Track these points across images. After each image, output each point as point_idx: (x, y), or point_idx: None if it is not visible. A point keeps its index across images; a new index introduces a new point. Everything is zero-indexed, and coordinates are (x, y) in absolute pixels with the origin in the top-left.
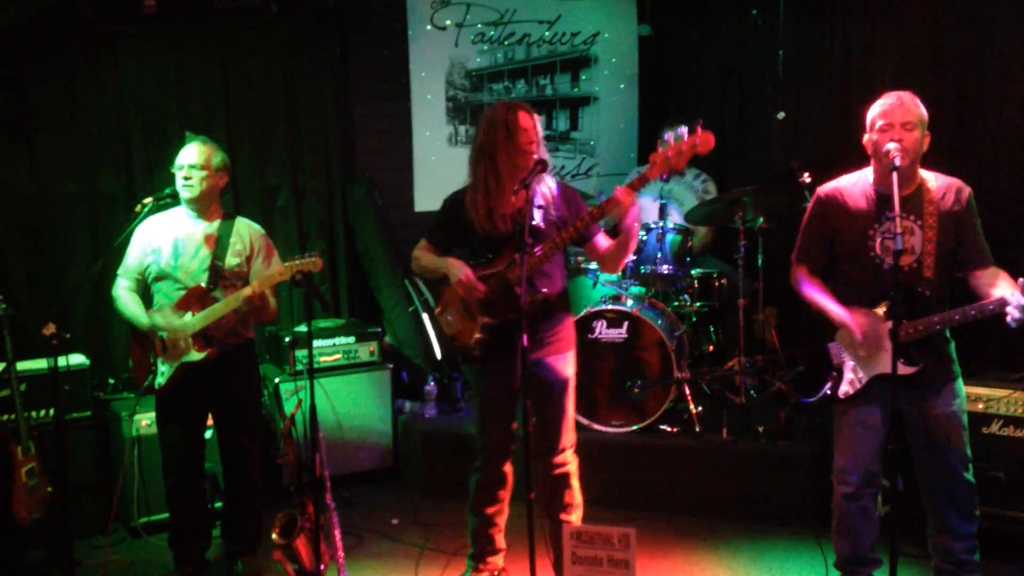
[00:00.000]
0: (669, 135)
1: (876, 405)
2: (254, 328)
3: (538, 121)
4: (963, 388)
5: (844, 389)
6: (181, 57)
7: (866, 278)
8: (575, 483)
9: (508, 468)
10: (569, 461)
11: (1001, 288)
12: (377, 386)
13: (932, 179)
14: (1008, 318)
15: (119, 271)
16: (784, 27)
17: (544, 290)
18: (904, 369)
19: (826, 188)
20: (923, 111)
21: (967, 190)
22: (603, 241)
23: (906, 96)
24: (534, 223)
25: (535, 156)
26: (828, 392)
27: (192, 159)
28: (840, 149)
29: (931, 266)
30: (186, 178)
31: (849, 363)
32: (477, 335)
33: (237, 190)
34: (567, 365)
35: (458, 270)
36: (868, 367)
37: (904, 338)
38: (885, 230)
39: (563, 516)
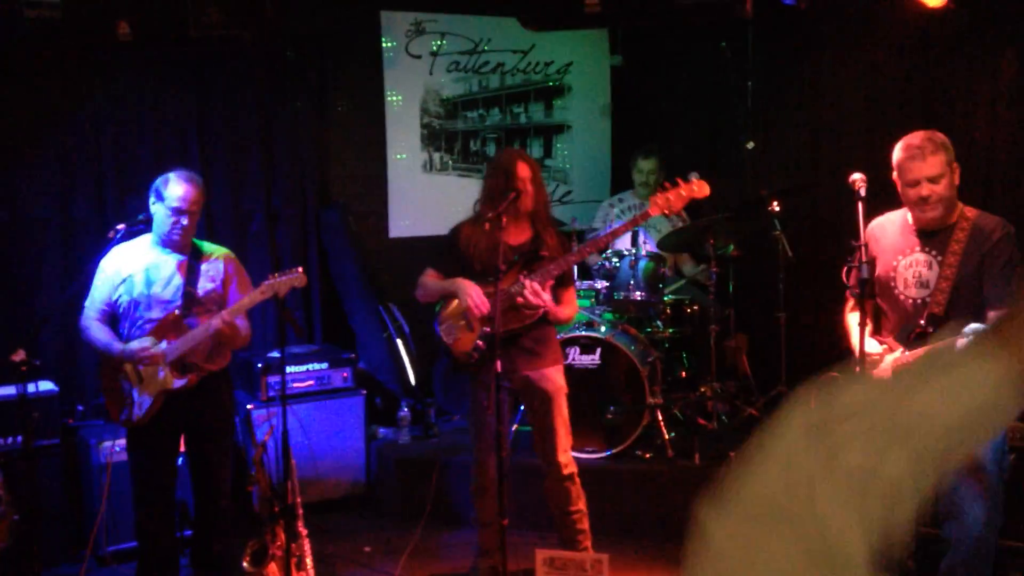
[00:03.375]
0: (679, 179)
1: None
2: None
3: (536, 169)
4: (1000, 436)
5: None
6: (156, 82)
7: (892, 310)
8: (578, 482)
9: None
10: (572, 462)
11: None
12: (351, 412)
13: (973, 216)
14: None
15: (87, 303)
16: (753, 58)
17: (541, 309)
18: None
19: (873, 221)
20: (946, 151)
21: (1001, 231)
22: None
23: (928, 146)
24: (542, 253)
25: (530, 200)
26: None
27: (193, 204)
28: (809, 178)
29: (941, 303)
30: (185, 223)
31: None
32: (478, 342)
33: (210, 215)
34: (560, 375)
35: (468, 287)
36: None
37: (896, 369)
38: (908, 264)
39: (572, 508)
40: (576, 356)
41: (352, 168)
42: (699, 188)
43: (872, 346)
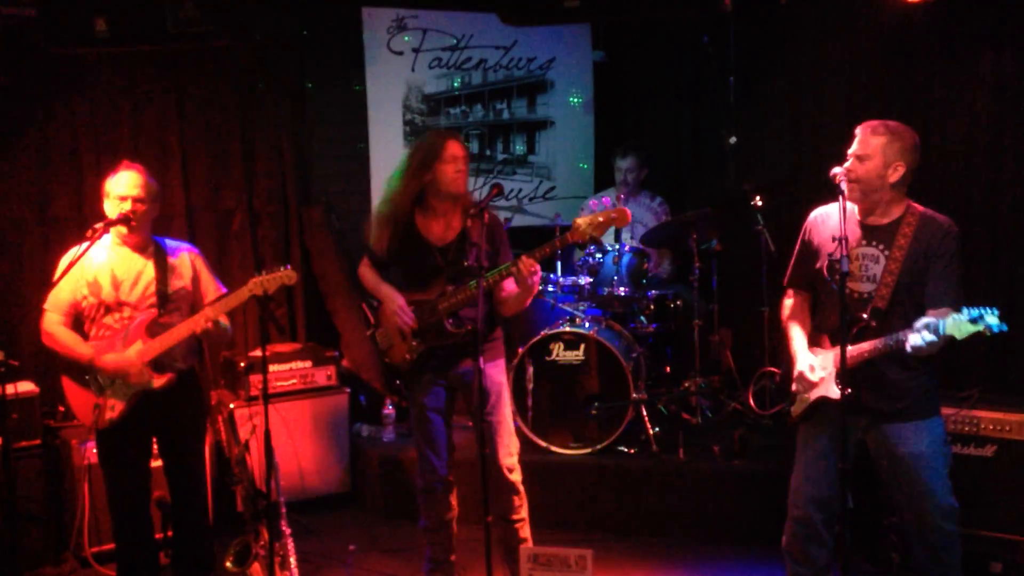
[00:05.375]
0: (593, 201)
1: (824, 428)
2: (210, 352)
3: (467, 151)
4: (940, 428)
5: (795, 408)
6: (133, 80)
7: (832, 302)
8: (523, 490)
9: (449, 475)
10: (517, 468)
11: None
12: (335, 410)
13: (920, 213)
14: (907, 345)
15: (47, 305)
16: (735, 53)
17: (469, 325)
18: (836, 392)
19: (816, 210)
20: (892, 142)
21: (947, 229)
22: (510, 285)
23: (873, 125)
24: (467, 264)
25: (463, 183)
26: (785, 408)
27: (136, 192)
28: (791, 173)
29: (885, 296)
30: (133, 212)
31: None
32: (407, 356)
33: (191, 214)
34: (499, 372)
35: (392, 301)
36: (813, 390)
37: (838, 363)
38: (855, 257)
39: (515, 516)
40: (560, 352)
41: (334, 165)
42: (619, 215)
43: (801, 351)
